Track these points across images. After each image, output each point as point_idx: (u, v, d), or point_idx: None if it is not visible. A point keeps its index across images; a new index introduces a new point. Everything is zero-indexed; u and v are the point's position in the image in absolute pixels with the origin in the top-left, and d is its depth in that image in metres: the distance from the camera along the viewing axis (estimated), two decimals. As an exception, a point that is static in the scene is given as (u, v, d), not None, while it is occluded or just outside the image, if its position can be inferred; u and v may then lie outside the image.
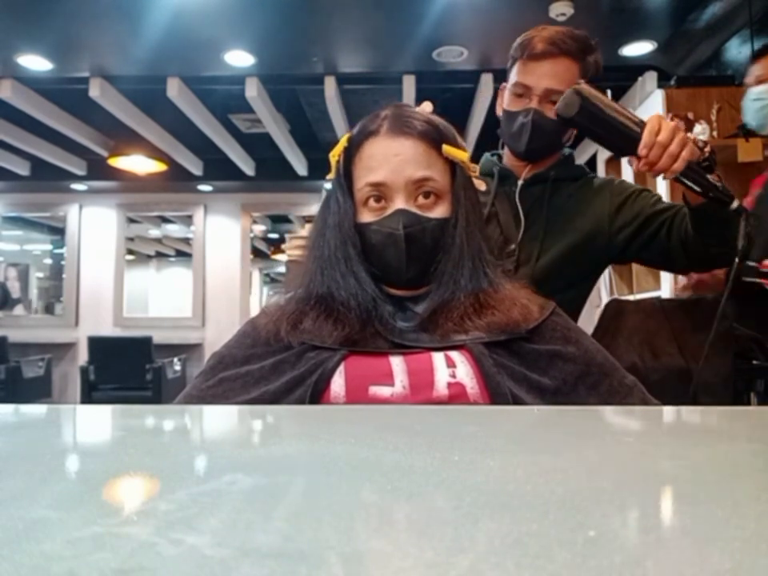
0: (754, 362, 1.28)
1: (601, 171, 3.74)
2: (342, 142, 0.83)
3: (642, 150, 0.88)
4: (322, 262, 0.80)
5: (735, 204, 0.89)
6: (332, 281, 0.79)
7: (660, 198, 1.16)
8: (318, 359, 0.72)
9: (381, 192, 0.78)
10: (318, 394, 0.69)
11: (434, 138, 0.80)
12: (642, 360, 1.15)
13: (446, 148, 0.80)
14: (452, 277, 0.78)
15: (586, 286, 1.21)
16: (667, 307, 1.31)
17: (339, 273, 0.79)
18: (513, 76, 1.14)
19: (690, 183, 0.92)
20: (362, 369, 0.71)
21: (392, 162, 0.78)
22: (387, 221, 0.78)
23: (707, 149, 0.92)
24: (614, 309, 1.25)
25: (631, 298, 2.94)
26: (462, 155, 0.81)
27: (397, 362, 0.71)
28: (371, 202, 0.79)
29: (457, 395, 0.68)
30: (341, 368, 0.70)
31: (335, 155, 0.83)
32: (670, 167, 0.88)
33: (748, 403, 1.34)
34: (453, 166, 0.82)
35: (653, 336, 1.19)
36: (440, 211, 0.79)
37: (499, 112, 1.22)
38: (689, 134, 0.91)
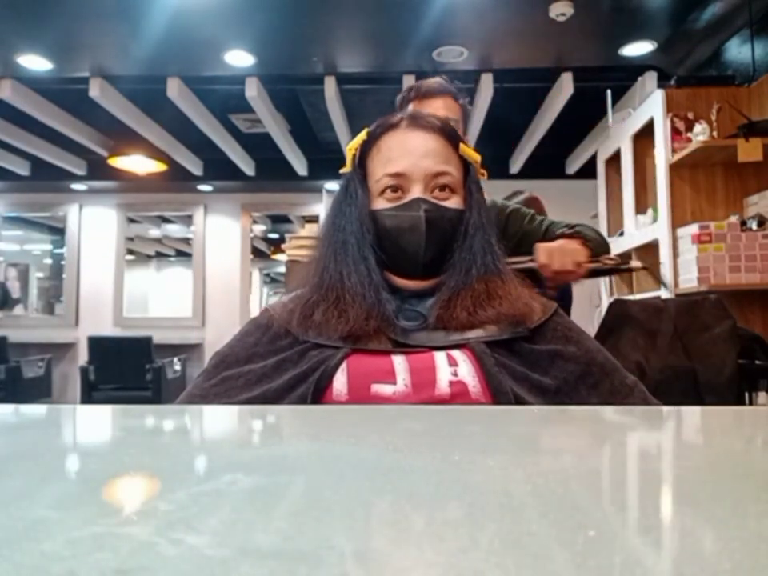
0: (757, 361, 1.28)
1: (601, 171, 3.75)
2: (361, 135, 0.84)
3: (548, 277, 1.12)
4: (337, 247, 0.81)
5: (634, 264, 1.10)
6: (345, 265, 0.79)
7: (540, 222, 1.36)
8: (321, 357, 0.72)
9: (399, 183, 0.80)
10: (320, 392, 0.69)
11: (451, 136, 0.83)
12: (646, 359, 1.15)
13: (463, 147, 0.83)
14: (464, 265, 0.79)
15: None
16: (671, 307, 1.31)
17: (352, 258, 0.79)
18: None
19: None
20: (365, 367, 0.71)
21: (412, 153, 0.80)
22: (406, 207, 0.79)
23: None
24: (618, 309, 1.24)
25: (631, 298, 2.94)
26: (477, 156, 0.85)
27: (399, 361, 0.72)
28: (388, 193, 0.80)
29: (459, 394, 0.68)
30: (343, 366, 0.71)
31: (352, 148, 0.85)
32: (574, 278, 1.11)
33: (752, 402, 1.34)
34: (465, 165, 0.84)
35: (657, 335, 1.19)
36: (454, 204, 0.81)
37: None
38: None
